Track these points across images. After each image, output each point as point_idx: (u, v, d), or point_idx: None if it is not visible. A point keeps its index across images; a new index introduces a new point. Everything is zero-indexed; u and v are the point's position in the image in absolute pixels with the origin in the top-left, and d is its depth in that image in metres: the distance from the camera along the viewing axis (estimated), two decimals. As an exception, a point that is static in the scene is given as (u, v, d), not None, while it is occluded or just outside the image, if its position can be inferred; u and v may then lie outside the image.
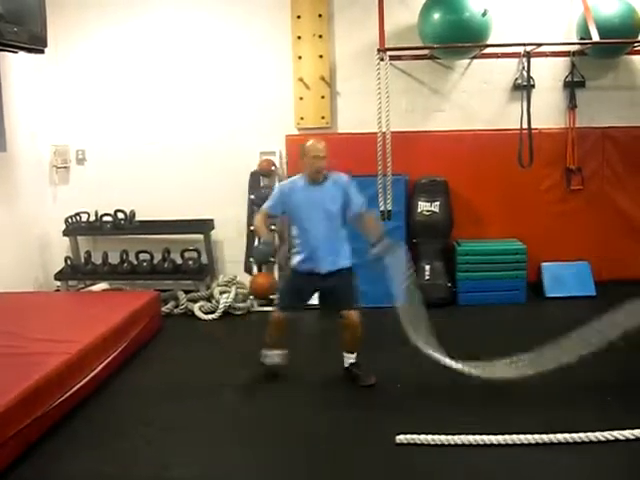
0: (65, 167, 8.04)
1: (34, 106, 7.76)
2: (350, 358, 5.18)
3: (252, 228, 7.54)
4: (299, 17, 7.65)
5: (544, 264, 7.63)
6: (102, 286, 7.41)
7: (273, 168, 7.60)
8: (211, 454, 4.14)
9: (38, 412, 4.20)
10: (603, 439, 4.07)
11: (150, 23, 7.83)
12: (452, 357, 4.88)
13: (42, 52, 6.18)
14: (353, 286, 5.13)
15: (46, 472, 3.96)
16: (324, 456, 4.11)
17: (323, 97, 7.72)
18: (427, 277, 7.31)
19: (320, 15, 7.65)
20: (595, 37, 6.83)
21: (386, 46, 6.98)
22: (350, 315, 5.02)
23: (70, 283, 7.81)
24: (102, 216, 7.78)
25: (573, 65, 7.66)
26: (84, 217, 7.88)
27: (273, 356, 5.21)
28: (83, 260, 7.78)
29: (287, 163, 7.75)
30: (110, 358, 5.32)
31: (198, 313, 7.20)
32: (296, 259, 5.14)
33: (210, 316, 7.14)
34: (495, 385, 4.77)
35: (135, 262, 7.65)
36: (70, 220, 7.77)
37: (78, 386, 4.73)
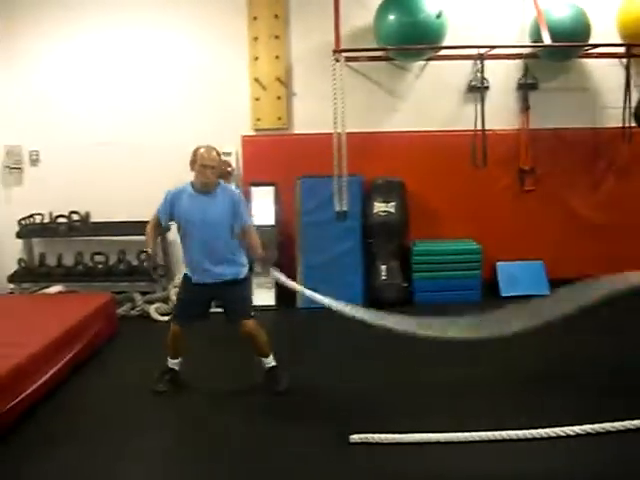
0: (18, 168, 7.93)
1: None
2: (266, 362, 5.04)
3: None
4: (255, 18, 7.65)
5: (499, 263, 7.74)
6: (56, 289, 7.33)
7: (229, 169, 7.58)
8: (163, 459, 4.12)
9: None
10: (544, 436, 4.15)
11: (105, 24, 7.76)
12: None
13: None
14: (245, 295, 5.04)
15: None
16: (279, 456, 4.11)
17: (279, 98, 7.74)
18: (383, 277, 7.36)
19: (276, 16, 7.67)
20: (547, 40, 6.94)
21: (342, 47, 7.01)
22: (245, 325, 4.91)
23: (24, 286, 7.71)
24: (56, 218, 7.70)
25: (526, 67, 7.78)
26: (38, 219, 7.78)
27: (173, 364, 5.11)
28: (37, 262, 7.68)
29: (243, 164, 7.77)
30: (63, 362, 5.24)
31: (154, 315, 7.16)
32: (186, 269, 4.99)
33: (166, 317, 7.08)
34: (447, 384, 4.87)
35: (90, 264, 7.59)
36: (24, 222, 7.67)
37: (32, 389, 4.66)
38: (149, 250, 5.00)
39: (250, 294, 5.20)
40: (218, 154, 4.84)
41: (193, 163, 4.77)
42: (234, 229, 4.86)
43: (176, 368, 5.12)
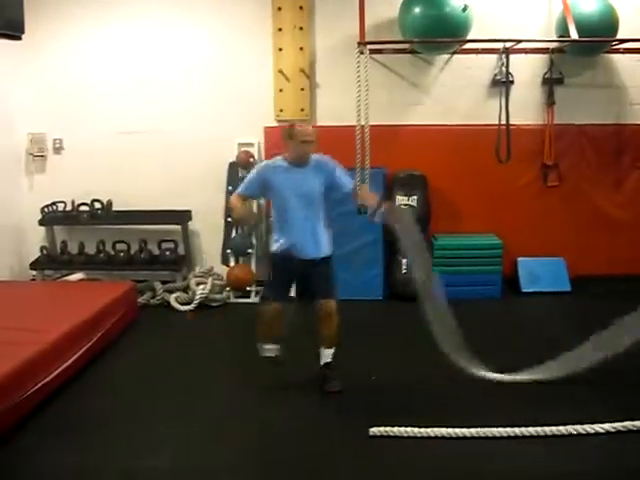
0: (42, 156, 7.97)
1: (10, 94, 7.71)
2: (326, 356, 4.93)
3: (229, 219, 7.55)
4: (280, 9, 7.63)
5: (520, 259, 7.69)
6: (78, 276, 7.38)
7: (251, 160, 7.59)
8: (183, 447, 4.13)
9: (9, 403, 4.18)
10: (574, 432, 4.12)
11: (129, 16, 7.77)
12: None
13: (19, 38, 6.06)
14: (333, 276, 4.96)
15: (17, 465, 3.93)
16: (299, 449, 4.12)
17: (303, 89, 7.72)
18: (404, 271, 7.34)
19: (301, 7, 7.64)
20: (574, 35, 6.87)
21: (366, 39, 6.98)
22: (327, 304, 4.84)
23: (46, 273, 7.77)
24: (79, 206, 7.73)
25: (552, 62, 7.71)
26: (60, 207, 7.82)
27: (271, 350, 5.06)
28: (59, 250, 7.73)
29: (265, 155, 7.74)
30: (85, 348, 5.29)
31: (174, 304, 7.18)
32: (277, 244, 4.89)
33: (186, 307, 7.13)
34: (470, 379, 4.84)
35: (112, 252, 7.63)
36: (46, 209, 7.72)
37: (52, 376, 4.71)
38: (242, 210, 5.05)
39: (335, 276, 5.08)
40: (313, 128, 4.90)
41: (288, 139, 4.80)
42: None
43: (270, 354, 5.08)
